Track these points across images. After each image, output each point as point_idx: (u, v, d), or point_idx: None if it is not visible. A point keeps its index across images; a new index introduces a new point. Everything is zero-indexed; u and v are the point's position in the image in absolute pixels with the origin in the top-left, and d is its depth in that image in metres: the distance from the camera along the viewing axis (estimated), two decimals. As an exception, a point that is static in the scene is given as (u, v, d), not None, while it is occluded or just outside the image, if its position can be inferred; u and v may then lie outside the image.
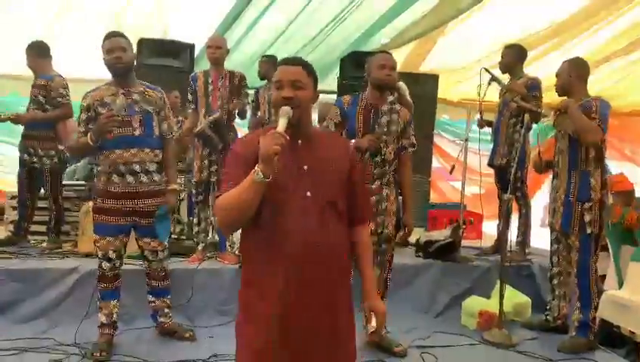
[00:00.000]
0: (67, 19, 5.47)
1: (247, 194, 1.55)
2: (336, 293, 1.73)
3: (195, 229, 4.20)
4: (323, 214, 1.67)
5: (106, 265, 3.03)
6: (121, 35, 2.97)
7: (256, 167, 1.52)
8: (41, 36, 4.35)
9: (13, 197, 4.61)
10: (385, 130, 3.07)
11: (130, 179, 2.96)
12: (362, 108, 3.08)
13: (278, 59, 5.02)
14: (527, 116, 3.77)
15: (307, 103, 1.70)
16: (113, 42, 2.92)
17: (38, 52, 4.20)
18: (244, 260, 1.79)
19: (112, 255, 3.02)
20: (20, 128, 4.27)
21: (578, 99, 3.32)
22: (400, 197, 3.27)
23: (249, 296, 1.70)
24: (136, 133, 2.96)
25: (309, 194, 1.65)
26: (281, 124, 1.58)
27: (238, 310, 1.77)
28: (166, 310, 3.30)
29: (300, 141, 1.70)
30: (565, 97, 3.40)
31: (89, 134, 2.89)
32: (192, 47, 5.47)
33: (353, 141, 2.99)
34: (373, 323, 1.80)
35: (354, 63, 5.56)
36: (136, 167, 2.97)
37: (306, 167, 1.68)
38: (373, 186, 3.07)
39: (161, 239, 3.17)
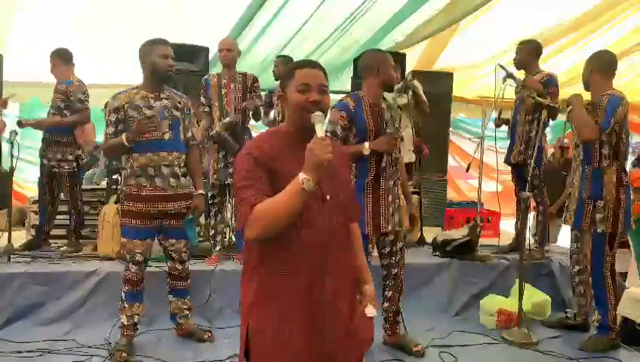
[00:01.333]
0: (84, 25, 5.55)
1: (295, 202, 1.51)
2: (353, 292, 1.75)
3: (212, 231, 4.23)
4: (341, 215, 1.69)
5: (133, 267, 3.06)
6: (170, 44, 3.05)
7: (302, 175, 1.48)
8: (60, 43, 4.39)
9: (34, 202, 4.69)
10: (392, 128, 3.05)
11: (158, 182, 2.99)
12: (368, 108, 2.99)
13: (291, 59, 5.12)
14: (544, 112, 3.72)
15: (329, 109, 1.74)
16: (169, 50, 3.00)
17: (61, 58, 4.28)
18: (255, 265, 1.68)
19: (139, 258, 3.05)
20: (40, 134, 4.35)
21: (597, 93, 3.27)
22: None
23: (267, 294, 1.65)
24: (166, 137, 3.00)
25: (328, 197, 1.65)
26: (319, 130, 1.54)
27: (245, 309, 1.70)
28: (185, 311, 3.33)
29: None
30: (575, 93, 3.34)
31: (124, 135, 2.93)
32: (206, 50, 5.51)
33: (367, 144, 2.91)
34: (371, 309, 1.75)
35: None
36: (165, 171, 3.01)
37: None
38: (390, 185, 3.05)
39: (192, 242, 3.27)
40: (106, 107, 3.20)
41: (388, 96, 3.16)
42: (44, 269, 3.75)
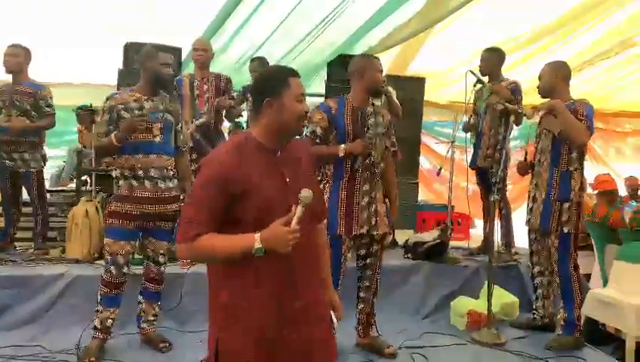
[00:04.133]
0: (53, 22, 5.42)
1: (237, 256, 1.55)
2: (320, 300, 1.76)
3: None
4: (308, 224, 1.66)
5: (113, 269, 3.02)
6: (167, 51, 3.13)
7: (257, 243, 1.50)
8: (25, 40, 4.26)
9: (-1, 204, 4.55)
10: (373, 132, 3.08)
11: (147, 183, 3.00)
12: (350, 111, 3.06)
13: (267, 61, 5.11)
14: (512, 118, 3.82)
15: None
16: (166, 57, 3.04)
17: (29, 56, 4.16)
18: (222, 275, 1.66)
19: (120, 260, 3.02)
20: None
21: (562, 100, 3.38)
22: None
23: (236, 309, 1.64)
24: (156, 139, 3.02)
25: (293, 207, 1.58)
26: (300, 212, 1.54)
27: (215, 321, 1.69)
28: (151, 317, 3.28)
29: (279, 152, 1.69)
30: (548, 99, 3.45)
31: (113, 134, 2.94)
32: (179, 51, 5.44)
33: (343, 146, 2.97)
34: (334, 318, 1.81)
35: (341, 66, 5.57)
36: (154, 173, 3.02)
37: (288, 180, 1.65)
38: (365, 189, 3.08)
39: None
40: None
41: (377, 101, 3.24)
42: (10, 272, 3.64)
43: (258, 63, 5.07)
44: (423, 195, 7.25)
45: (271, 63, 5.19)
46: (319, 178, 3.64)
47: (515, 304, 4.02)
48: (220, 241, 1.55)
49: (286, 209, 1.56)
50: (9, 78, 4.17)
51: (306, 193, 1.54)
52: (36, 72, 4.29)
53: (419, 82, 5.97)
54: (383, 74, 3.13)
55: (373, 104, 3.14)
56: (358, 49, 6.22)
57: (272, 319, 1.62)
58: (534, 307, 3.76)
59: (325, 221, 1.95)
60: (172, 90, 3.19)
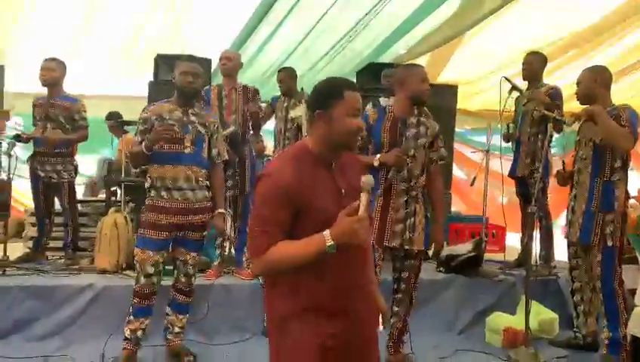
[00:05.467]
0: (84, 35, 5.54)
1: (311, 258, 1.52)
2: (374, 322, 1.76)
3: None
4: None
5: (143, 279, 3.02)
6: (197, 61, 3.19)
7: (329, 240, 1.48)
8: (58, 53, 4.35)
9: (32, 214, 4.63)
10: (412, 143, 2.97)
11: (176, 194, 3.01)
12: (389, 122, 2.98)
13: (295, 72, 5.07)
14: (550, 125, 3.65)
15: None
16: (189, 66, 3.09)
17: (64, 70, 4.24)
18: (276, 294, 1.67)
19: (150, 270, 3.01)
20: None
21: (603, 107, 3.21)
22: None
23: (295, 327, 1.62)
24: (187, 151, 3.03)
25: (343, 191, 1.63)
26: (365, 200, 1.51)
27: (276, 336, 1.68)
28: (177, 329, 3.24)
29: (334, 164, 1.68)
30: (588, 106, 3.29)
31: (143, 143, 2.99)
32: (209, 62, 5.46)
33: (379, 156, 2.91)
34: (381, 323, 1.79)
35: (371, 75, 5.50)
36: (184, 184, 3.02)
37: (343, 191, 1.64)
38: (400, 202, 2.97)
39: (212, 260, 3.50)
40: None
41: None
42: (39, 283, 3.67)
43: (285, 74, 5.03)
44: (458, 206, 7.06)
45: (299, 74, 5.16)
46: None
47: (555, 321, 3.82)
48: (291, 247, 1.54)
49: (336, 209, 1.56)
50: (44, 90, 4.25)
51: (367, 179, 1.53)
52: (70, 85, 4.37)
53: (451, 90, 5.84)
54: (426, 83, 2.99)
55: (418, 113, 3.04)
56: (387, 58, 6.13)
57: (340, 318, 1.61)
58: (575, 325, 3.56)
59: None
60: (193, 97, 3.14)
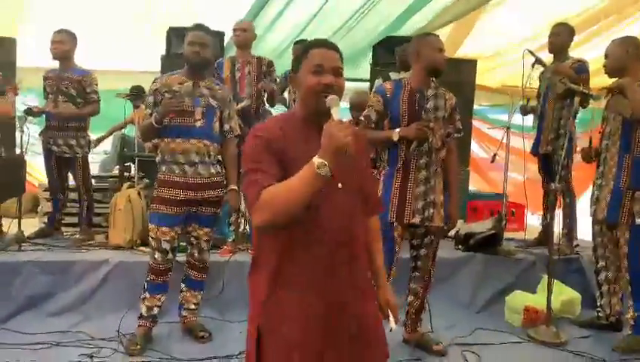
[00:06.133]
0: (94, 8, 5.44)
1: (308, 188, 1.37)
2: (367, 289, 1.64)
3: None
4: (354, 206, 1.57)
5: (158, 256, 2.98)
6: (206, 30, 3.01)
7: (316, 159, 1.34)
8: (68, 25, 4.25)
9: (46, 190, 4.62)
10: (432, 116, 2.86)
11: (187, 169, 2.94)
12: (407, 95, 2.86)
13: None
14: (577, 99, 3.50)
15: (343, 92, 1.58)
16: (195, 36, 2.95)
17: (75, 43, 4.16)
18: (265, 260, 1.56)
19: (165, 246, 2.97)
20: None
21: (634, 80, 3.06)
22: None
23: (280, 295, 1.52)
24: (198, 124, 2.95)
25: (340, 185, 1.51)
26: (335, 113, 1.42)
27: (256, 308, 1.56)
28: (192, 306, 3.22)
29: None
30: (616, 79, 3.14)
31: (153, 115, 2.91)
32: (221, 35, 5.35)
33: (398, 130, 2.81)
34: (392, 321, 1.65)
35: (387, 49, 5.34)
36: (195, 158, 2.95)
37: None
38: (421, 177, 2.88)
39: (227, 236, 3.47)
40: None
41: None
42: (55, 258, 3.66)
43: (300, 47, 4.89)
44: (476, 185, 6.94)
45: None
46: (377, 164, 3.49)
47: (577, 300, 3.73)
48: (284, 183, 1.41)
49: (333, 187, 1.47)
50: (56, 63, 4.18)
51: (333, 96, 1.47)
52: (81, 60, 4.29)
53: (470, 65, 5.66)
54: (443, 53, 2.86)
55: (435, 86, 2.92)
56: (405, 31, 5.96)
57: (317, 331, 1.50)
58: (599, 304, 3.47)
59: None
60: (200, 67, 3.00)
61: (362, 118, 2.91)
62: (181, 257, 3.26)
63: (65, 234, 4.41)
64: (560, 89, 3.91)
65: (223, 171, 3.13)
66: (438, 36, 2.97)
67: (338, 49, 1.58)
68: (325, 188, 1.40)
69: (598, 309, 3.47)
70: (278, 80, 4.26)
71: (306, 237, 1.49)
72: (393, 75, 2.99)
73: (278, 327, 1.50)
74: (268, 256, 1.54)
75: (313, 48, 1.56)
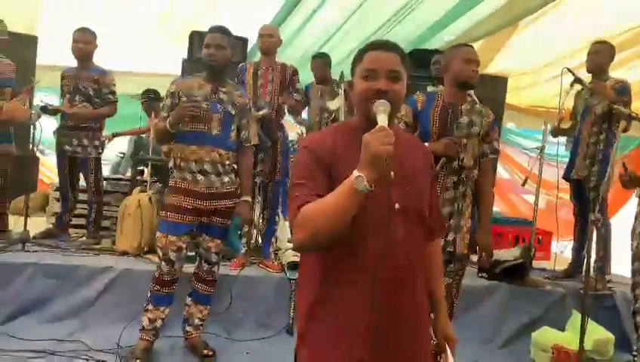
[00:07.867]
0: (117, 9, 5.36)
1: (346, 203, 1.27)
2: (420, 320, 1.50)
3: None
4: (412, 230, 1.43)
5: (164, 266, 2.84)
6: (222, 31, 2.87)
7: (356, 173, 1.24)
8: (86, 24, 4.14)
9: (56, 189, 4.50)
10: (464, 132, 2.66)
11: (199, 178, 2.82)
12: (438, 108, 2.67)
13: (331, 58, 4.81)
14: (622, 123, 3.25)
15: (401, 99, 1.45)
16: (211, 38, 2.83)
17: (95, 42, 4.05)
18: (307, 280, 1.47)
19: (172, 256, 2.83)
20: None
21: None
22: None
23: (324, 322, 1.41)
24: (214, 131, 2.82)
25: (397, 206, 1.39)
26: (381, 120, 1.31)
27: (302, 334, 1.47)
28: (196, 321, 3.04)
29: None
30: None
31: (167, 120, 2.79)
32: (245, 40, 5.23)
33: (427, 145, 2.60)
34: (450, 358, 1.55)
35: (416, 61, 5.11)
36: (209, 167, 2.83)
37: (392, 174, 1.38)
38: (447, 197, 2.67)
39: (236, 249, 3.34)
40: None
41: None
42: (57, 261, 3.50)
43: (320, 61, 4.76)
44: (498, 206, 6.69)
45: (335, 60, 4.89)
46: None
47: (610, 341, 3.46)
48: (322, 200, 1.32)
49: (388, 205, 1.38)
50: (73, 61, 4.07)
51: (381, 100, 1.35)
52: (100, 60, 4.18)
53: (500, 82, 5.44)
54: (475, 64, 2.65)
55: (472, 100, 2.72)
56: (434, 44, 5.77)
57: (361, 319, 1.38)
58: (635, 348, 3.18)
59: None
60: (216, 71, 2.86)
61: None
62: (189, 269, 3.08)
63: (72, 236, 4.27)
64: (599, 110, 3.67)
65: (237, 181, 2.97)
66: (471, 47, 2.78)
67: (398, 50, 1.46)
68: (376, 208, 1.34)
69: (635, 354, 3.19)
70: (301, 90, 4.05)
71: (349, 262, 1.37)
72: (430, 89, 2.80)
73: (317, 347, 1.42)
74: (309, 279, 1.45)
75: (368, 51, 1.45)
